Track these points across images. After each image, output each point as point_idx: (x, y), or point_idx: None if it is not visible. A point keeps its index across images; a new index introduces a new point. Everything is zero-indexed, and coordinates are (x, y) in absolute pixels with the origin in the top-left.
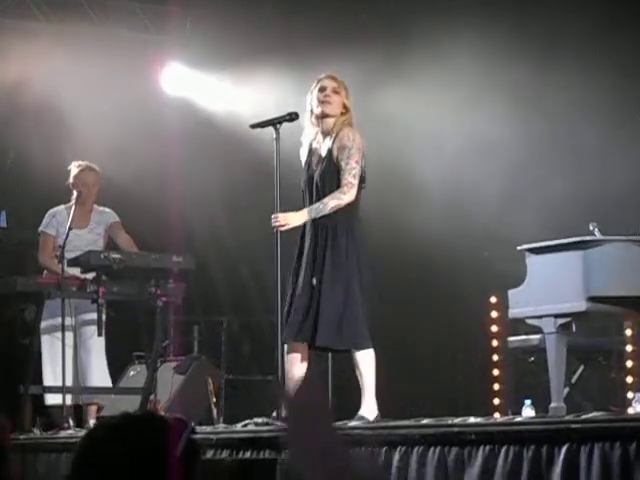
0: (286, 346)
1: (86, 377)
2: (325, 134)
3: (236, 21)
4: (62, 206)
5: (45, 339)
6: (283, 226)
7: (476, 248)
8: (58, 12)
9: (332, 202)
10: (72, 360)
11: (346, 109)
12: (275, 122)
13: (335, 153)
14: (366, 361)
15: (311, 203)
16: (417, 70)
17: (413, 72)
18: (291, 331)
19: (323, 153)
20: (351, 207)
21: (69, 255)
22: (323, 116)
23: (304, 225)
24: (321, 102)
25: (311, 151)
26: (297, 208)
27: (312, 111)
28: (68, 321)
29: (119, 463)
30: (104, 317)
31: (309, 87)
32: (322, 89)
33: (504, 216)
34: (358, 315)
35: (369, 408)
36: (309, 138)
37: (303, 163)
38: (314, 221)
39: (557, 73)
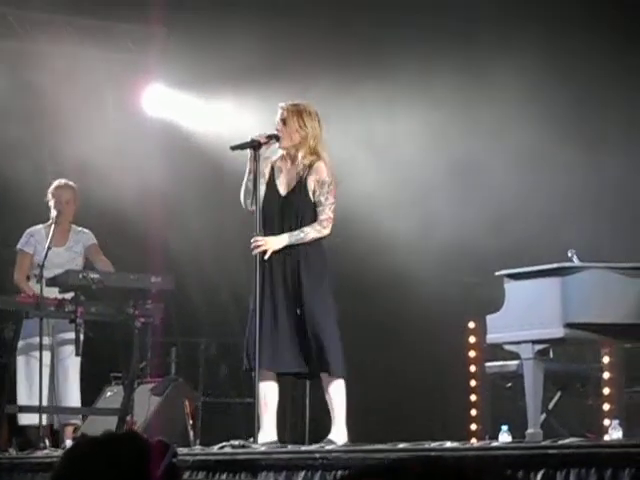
0: (259, 372)
1: (62, 397)
2: (293, 161)
3: (217, 41)
4: (40, 225)
5: (20, 358)
6: (264, 251)
7: (454, 273)
8: (41, 31)
9: (313, 233)
10: (48, 380)
11: (305, 135)
12: (254, 144)
13: (312, 186)
14: (339, 387)
15: (281, 222)
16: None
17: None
18: (278, 362)
19: (294, 180)
20: (324, 238)
21: (47, 273)
22: (282, 148)
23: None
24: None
25: (276, 169)
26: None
27: None
28: (46, 340)
29: (101, 479)
30: (82, 337)
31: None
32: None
33: (483, 241)
34: (337, 341)
35: (339, 433)
36: (275, 155)
37: (266, 176)
38: (289, 250)
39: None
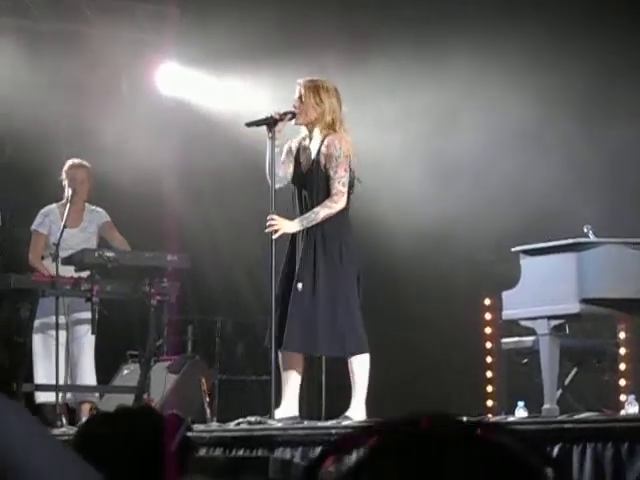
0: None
1: (78, 375)
2: (313, 138)
3: (232, 19)
4: (54, 204)
5: (37, 337)
6: (276, 230)
7: (469, 250)
8: (55, 11)
9: (323, 211)
10: (64, 358)
11: (321, 111)
12: (270, 121)
13: (323, 161)
14: (360, 364)
15: (300, 202)
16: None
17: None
18: (290, 342)
19: (311, 158)
20: (341, 213)
21: (62, 254)
22: (298, 124)
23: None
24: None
25: (301, 148)
26: (291, 207)
27: None
28: (62, 319)
29: (115, 453)
30: (97, 315)
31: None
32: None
33: (498, 218)
34: (356, 321)
35: (357, 409)
36: (301, 134)
37: (293, 155)
38: (306, 228)
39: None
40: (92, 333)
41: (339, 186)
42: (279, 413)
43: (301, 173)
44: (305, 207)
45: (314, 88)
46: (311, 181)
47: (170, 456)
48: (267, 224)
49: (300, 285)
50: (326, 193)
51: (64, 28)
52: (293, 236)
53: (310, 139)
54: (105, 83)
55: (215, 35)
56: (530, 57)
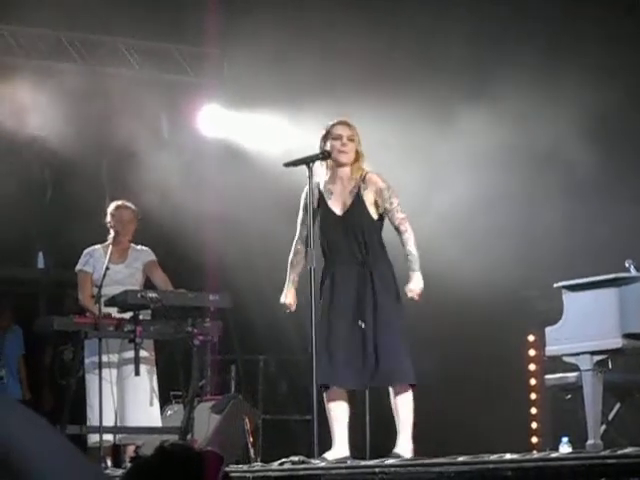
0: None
1: (125, 416)
2: (343, 179)
3: (272, 61)
4: (99, 245)
5: (88, 377)
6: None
7: (513, 287)
8: (96, 55)
9: (412, 244)
10: (114, 398)
11: (358, 154)
12: (308, 161)
13: (371, 199)
14: (407, 399)
15: (345, 243)
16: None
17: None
18: (349, 379)
19: (349, 199)
20: (386, 249)
21: (108, 290)
22: (339, 165)
23: (335, 269)
24: (338, 151)
25: (325, 192)
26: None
27: (325, 156)
28: (114, 358)
29: None
30: (147, 355)
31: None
32: (337, 137)
33: (541, 255)
34: (408, 351)
35: (405, 446)
36: (322, 179)
37: (315, 202)
38: (360, 265)
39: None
40: (136, 374)
41: (400, 214)
42: (331, 455)
43: (334, 217)
44: (348, 251)
45: (357, 131)
46: (352, 223)
47: None
48: (412, 298)
49: (362, 323)
50: (372, 232)
51: (105, 71)
52: (327, 273)
53: (341, 180)
54: (149, 125)
55: (256, 76)
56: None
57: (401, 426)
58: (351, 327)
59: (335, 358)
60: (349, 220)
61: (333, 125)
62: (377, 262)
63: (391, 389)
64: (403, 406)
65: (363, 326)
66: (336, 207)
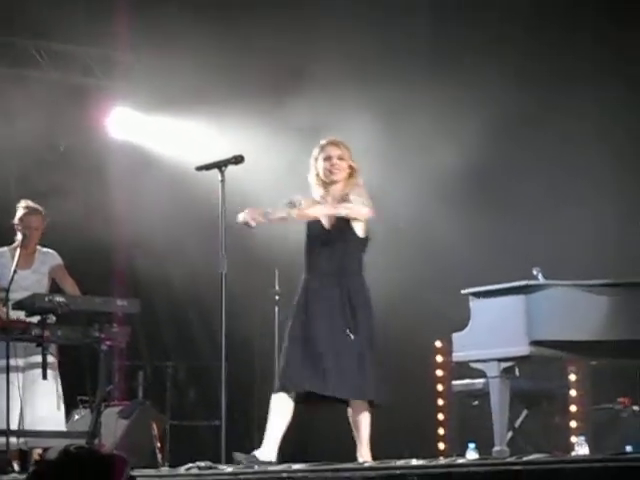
0: (276, 394)
1: (33, 420)
2: (335, 196)
3: (183, 64)
4: (5, 248)
5: None
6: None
7: (420, 292)
8: (6, 56)
9: (348, 205)
10: (20, 402)
11: (352, 169)
12: (220, 165)
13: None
14: (367, 412)
15: (321, 260)
16: None
17: None
18: (345, 389)
19: (334, 218)
20: (362, 263)
21: (14, 296)
22: (332, 183)
23: (314, 279)
24: (329, 172)
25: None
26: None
27: (318, 175)
28: (20, 362)
29: None
30: (53, 360)
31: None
32: (327, 158)
33: (448, 260)
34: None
35: (367, 454)
36: (317, 195)
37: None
38: (337, 278)
39: None
40: (43, 378)
41: (352, 203)
42: (260, 454)
43: (324, 232)
44: (328, 263)
45: (347, 147)
46: (336, 237)
47: None
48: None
49: (352, 335)
50: (354, 247)
51: (14, 73)
52: (306, 281)
53: (332, 199)
54: (56, 127)
55: (166, 79)
56: None
57: (361, 436)
58: (331, 334)
59: (300, 362)
60: (333, 234)
61: (323, 147)
62: (353, 278)
63: (356, 402)
64: (364, 418)
65: (352, 337)
66: (326, 222)
